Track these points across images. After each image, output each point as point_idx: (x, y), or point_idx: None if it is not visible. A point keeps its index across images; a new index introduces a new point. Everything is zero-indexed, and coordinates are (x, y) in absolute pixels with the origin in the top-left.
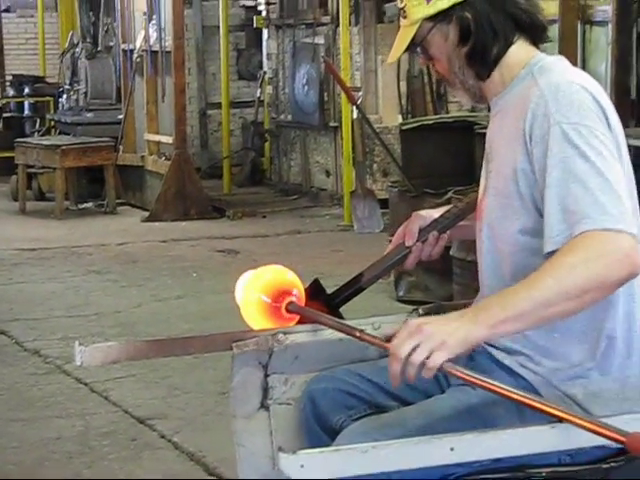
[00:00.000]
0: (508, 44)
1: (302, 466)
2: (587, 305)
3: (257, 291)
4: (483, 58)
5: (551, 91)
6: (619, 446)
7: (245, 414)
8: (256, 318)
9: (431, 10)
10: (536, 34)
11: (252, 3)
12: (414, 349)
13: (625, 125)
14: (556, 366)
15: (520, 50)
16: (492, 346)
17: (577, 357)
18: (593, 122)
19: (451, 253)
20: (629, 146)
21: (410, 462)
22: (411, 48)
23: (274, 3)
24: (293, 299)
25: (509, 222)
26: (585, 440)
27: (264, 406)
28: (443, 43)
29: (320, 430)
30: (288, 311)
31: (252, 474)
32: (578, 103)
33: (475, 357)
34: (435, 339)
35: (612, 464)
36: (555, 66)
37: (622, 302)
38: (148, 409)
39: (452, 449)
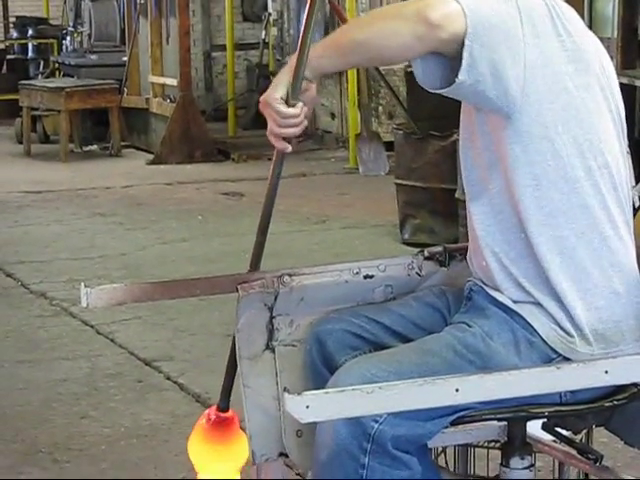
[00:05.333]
0: None
1: (307, 407)
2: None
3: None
4: None
5: None
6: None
7: (251, 355)
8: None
9: None
10: None
11: None
12: None
13: (631, 66)
14: (546, 299)
15: None
16: (487, 285)
17: (570, 295)
18: None
19: (456, 195)
20: (634, 87)
21: (415, 403)
22: None
23: None
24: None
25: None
26: (589, 381)
27: (269, 347)
28: None
29: (326, 370)
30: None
31: (258, 415)
32: None
33: (472, 296)
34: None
35: (615, 402)
36: None
37: (614, 248)
38: (154, 351)
39: (457, 390)
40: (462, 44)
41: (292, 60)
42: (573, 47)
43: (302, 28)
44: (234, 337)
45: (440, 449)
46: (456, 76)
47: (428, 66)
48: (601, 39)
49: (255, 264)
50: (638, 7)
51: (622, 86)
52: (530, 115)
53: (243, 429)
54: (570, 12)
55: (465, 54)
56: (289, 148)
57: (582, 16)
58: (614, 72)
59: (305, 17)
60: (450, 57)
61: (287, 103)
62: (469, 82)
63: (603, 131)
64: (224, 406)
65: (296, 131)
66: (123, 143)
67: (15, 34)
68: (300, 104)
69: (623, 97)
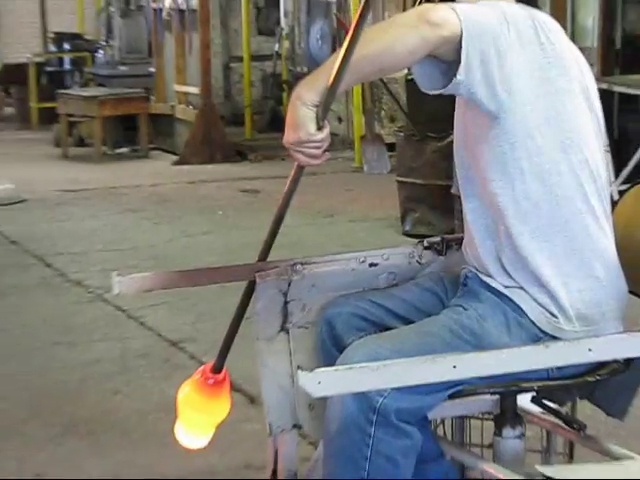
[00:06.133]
0: None
1: (319, 383)
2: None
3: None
4: None
5: None
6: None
7: (267, 337)
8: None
9: None
10: None
11: None
12: None
13: (610, 73)
14: (530, 285)
15: None
16: (481, 272)
17: (552, 280)
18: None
19: (452, 191)
20: (613, 92)
21: (417, 379)
22: None
23: None
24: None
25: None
26: (575, 358)
27: (284, 329)
28: None
29: (335, 350)
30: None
31: (274, 391)
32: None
33: (467, 282)
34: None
35: (597, 377)
36: None
37: (595, 236)
38: (179, 333)
39: (454, 367)
40: (459, 45)
41: (303, 93)
42: (554, 54)
43: (345, 46)
44: (238, 309)
45: (439, 420)
46: (454, 75)
47: (425, 71)
48: (582, 49)
49: (263, 258)
50: (616, 19)
51: (602, 92)
52: (515, 116)
53: (238, 390)
54: (552, 24)
55: (463, 56)
56: (328, 154)
57: (565, 27)
58: (592, 78)
59: (354, 24)
60: (445, 60)
61: (318, 128)
62: (465, 82)
63: (583, 129)
64: (218, 366)
65: (329, 139)
66: (151, 146)
67: (53, 48)
68: (325, 120)
69: (602, 102)
